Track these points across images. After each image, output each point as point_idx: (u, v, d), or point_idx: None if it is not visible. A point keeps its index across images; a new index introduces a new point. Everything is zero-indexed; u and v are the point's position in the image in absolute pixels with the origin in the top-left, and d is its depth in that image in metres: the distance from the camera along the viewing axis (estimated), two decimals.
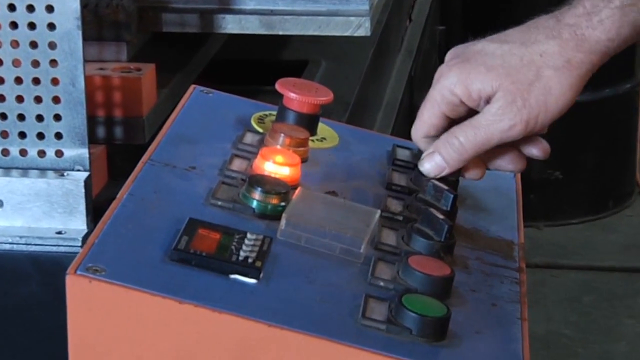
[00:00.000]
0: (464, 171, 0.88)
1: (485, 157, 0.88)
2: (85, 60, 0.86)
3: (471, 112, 0.86)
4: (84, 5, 0.89)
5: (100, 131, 1.07)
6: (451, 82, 0.84)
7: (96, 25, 1.10)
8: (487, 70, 0.83)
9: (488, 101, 0.82)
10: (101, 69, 1.03)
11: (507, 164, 0.89)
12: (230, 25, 1.19)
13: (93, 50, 1.08)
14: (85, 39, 0.86)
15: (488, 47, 0.86)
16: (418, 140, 0.88)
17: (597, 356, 2.55)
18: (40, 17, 0.84)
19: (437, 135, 0.86)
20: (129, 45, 1.12)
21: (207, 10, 1.18)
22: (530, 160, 0.91)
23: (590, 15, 0.83)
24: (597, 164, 3.00)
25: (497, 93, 0.82)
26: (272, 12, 1.18)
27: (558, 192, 2.97)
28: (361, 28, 1.20)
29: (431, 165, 0.86)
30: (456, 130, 0.85)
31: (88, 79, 0.92)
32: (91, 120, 1.01)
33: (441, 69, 0.87)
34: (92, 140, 0.93)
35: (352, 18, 1.21)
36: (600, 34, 0.82)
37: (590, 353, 2.55)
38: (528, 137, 0.88)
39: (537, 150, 0.88)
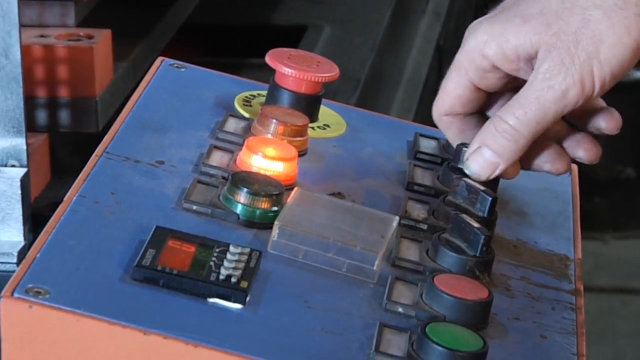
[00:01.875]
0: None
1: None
2: (22, 25, 0.86)
3: (508, 83, 0.86)
4: None
5: (42, 116, 1.09)
6: (480, 42, 0.85)
7: None
8: (523, 21, 0.84)
9: (529, 62, 0.84)
10: (42, 36, 1.05)
11: (544, 162, 0.91)
12: None
13: (32, 13, 1.09)
14: None
15: None
16: (439, 119, 0.88)
17: None
18: None
19: (464, 114, 0.87)
20: (78, 5, 1.13)
21: None
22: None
23: None
24: None
25: (539, 51, 0.83)
26: None
27: (630, 195, 2.97)
28: None
29: (480, 164, 0.86)
30: (502, 113, 0.85)
31: (25, 50, 0.93)
32: (29, 102, 1.02)
33: (470, 27, 0.87)
34: (32, 127, 0.96)
35: None
36: None
37: None
38: (572, 134, 0.88)
39: (582, 152, 0.90)
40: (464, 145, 0.88)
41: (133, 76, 1.15)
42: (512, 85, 0.87)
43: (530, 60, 0.85)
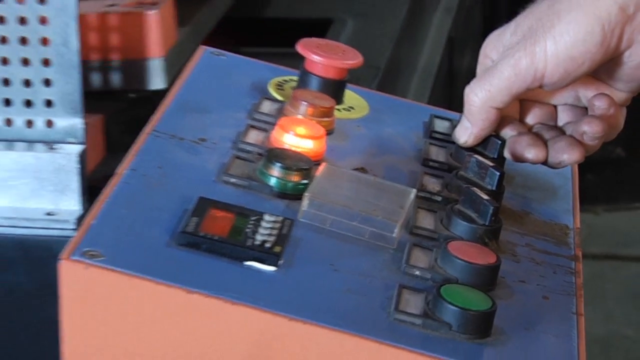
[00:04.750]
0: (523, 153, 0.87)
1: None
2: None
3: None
4: None
5: (116, 77, 1.12)
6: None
7: None
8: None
9: None
10: (112, 5, 1.10)
11: (558, 152, 0.89)
12: None
13: None
14: None
15: None
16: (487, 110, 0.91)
17: None
18: None
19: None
20: None
21: None
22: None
23: None
24: None
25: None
26: None
27: (619, 172, 2.99)
28: None
29: (458, 130, 0.88)
30: (471, 88, 0.87)
31: (100, 17, 1.00)
32: (105, 65, 1.07)
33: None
34: (110, 87, 1.01)
35: None
36: None
37: None
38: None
39: (567, 155, 0.88)
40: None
41: (194, 39, 1.18)
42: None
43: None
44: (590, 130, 0.88)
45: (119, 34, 1.10)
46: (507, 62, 0.85)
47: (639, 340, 2.55)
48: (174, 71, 1.11)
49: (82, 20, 0.98)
